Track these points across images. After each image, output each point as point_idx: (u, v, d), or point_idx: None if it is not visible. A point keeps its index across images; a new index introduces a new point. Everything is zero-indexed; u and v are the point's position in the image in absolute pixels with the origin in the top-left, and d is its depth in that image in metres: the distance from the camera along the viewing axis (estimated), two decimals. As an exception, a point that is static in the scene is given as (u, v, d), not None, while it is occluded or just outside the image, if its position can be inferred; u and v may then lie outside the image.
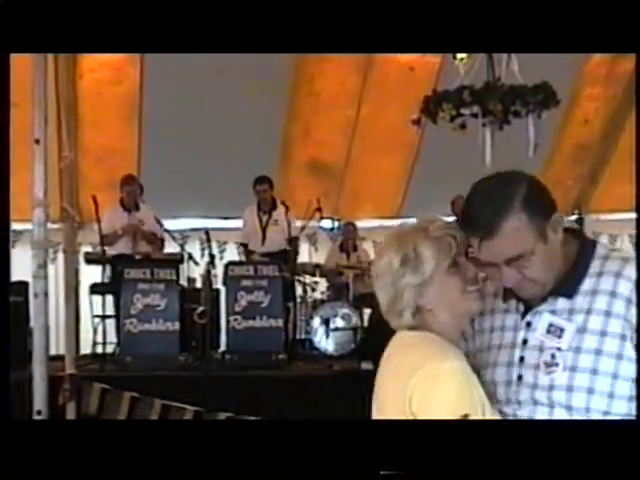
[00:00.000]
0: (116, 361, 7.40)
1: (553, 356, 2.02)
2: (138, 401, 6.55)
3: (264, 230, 8.81)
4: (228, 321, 7.66)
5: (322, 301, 8.77)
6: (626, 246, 10.26)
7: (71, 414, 6.28)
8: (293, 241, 8.53)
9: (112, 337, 7.71)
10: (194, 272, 8.48)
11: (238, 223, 9.23)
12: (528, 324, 2.08)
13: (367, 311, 9.17)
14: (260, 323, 7.59)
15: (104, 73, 9.52)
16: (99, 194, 8.13)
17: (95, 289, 8.02)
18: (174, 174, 9.51)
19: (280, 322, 7.69)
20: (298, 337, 8.57)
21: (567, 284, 2.05)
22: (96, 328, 7.73)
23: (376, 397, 2.13)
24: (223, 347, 7.99)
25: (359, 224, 10.10)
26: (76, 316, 7.54)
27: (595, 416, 1.98)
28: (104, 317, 7.83)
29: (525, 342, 2.07)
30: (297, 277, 8.66)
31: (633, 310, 1.98)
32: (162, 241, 8.50)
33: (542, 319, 2.06)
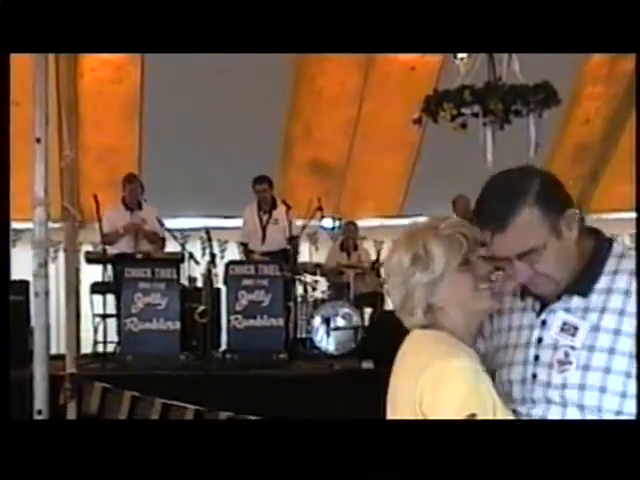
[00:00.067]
0: (117, 360, 7.40)
1: (566, 354, 2.01)
2: (139, 400, 6.55)
3: (264, 229, 8.80)
4: (229, 320, 7.66)
5: (323, 300, 8.77)
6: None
7: (72, 413, 6.28)
8: (293, 240, 8.52)
9: (113, 336, 7.71)
10: (195, 271, 8.48)
11: (239, 222, 9.22)
12: (543, 322, 2.08)
13: (368, 310, 9.20)
14: (261, 322, 7.59)
15: (105, 72, 9.53)
16: (100, 193, 8.13)
17: (96, 288, 8.02)
18: (175, 173, 9.52)
19: (281, 321, 7.69)
20: (299, 336, 8.57)
21: (582, 282, 2.04)
22: (97, 327, 7.74)
23: (390, 396, 2.13)
24: (224, 346, 8.00)
25: (360, 223, 10.09)
26: (77, 315, 7.54)
27: (607, 415, 1.98)
28: (105, 316, 7.82)
29: (540, 340, 2.07)
30: (298, 276, 8.66)
31: None
32: (163, 240, 8.50)
33: (557, 317, 2.06)
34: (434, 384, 1.96)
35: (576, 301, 2.05)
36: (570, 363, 2.01)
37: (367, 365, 7.32)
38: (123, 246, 8.27)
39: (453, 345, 2.03)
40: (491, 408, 1.95)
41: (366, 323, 8.65)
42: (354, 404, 6.38)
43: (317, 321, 8.33)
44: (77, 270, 8.12)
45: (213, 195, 9.99)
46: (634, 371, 1.96)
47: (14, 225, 7.04)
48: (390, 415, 2.12)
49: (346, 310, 8.41)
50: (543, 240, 1.98)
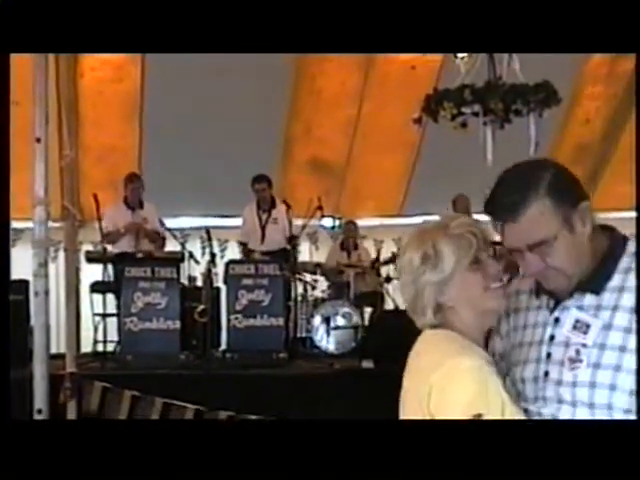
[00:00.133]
0: (117, 359, 7.41)
1: (578, 352, 2.01)
2: (139, 399, 6.55)
3: (263, 229, 8.80)
4: (229, 320, 7.66)
5: (323, 300, 8.77)
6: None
7: (72, 412, 6.27)
8: (293, 239, 8.52)
9: (113, 335, 7.71)
10: (195, 271, 8.48)
11: (239, 222, 9.22)
12: (556, 320, 2.08)
13: (368, 310, 9.19)
14: (261, 322, 7.60)
15: (105, 71, 9.53)
16: (100, 192, 8.14)
17: (96, 287, 8.03)
18: (175, 172, 9.52)
19: (281, 321, 7.70)
20: (299, 336, 8.57)
21: (595, 280, 2.04)
22: (97, 326, 7.75)
23: (402, 397, 2.13)
24: (224, 346, 8.00)
25: (360, 223, 10.09)
26: (77, 314, 7.53)
27: (617, 414, 1.97)
28: (105, 315, 7.83)
29: (552, 338, 2.07)
30: (298, 276, 8.66)
31: None
32: (163, 239, 8.50)
33: (569, 315, 2.05)
34: (443, 383, 1.96)
35: (589, 299, 2.04)
36: (581, 361, 2.00)
37: (367, 364, 7.33)
38: (124, 245, 8.28)
39: (464, 345, 2.02)
40: (500, 408, 1.94)
41: (366, 322, 8.65)
42: (354, 403, 6.39)
43: (317, 320, 8.33)
44: (77, 269, 8.11)
45: (213, 195, 9.99)
46: None
47: (14, 224, 7.02)
48: (402, 416, 2.11)
49: (346, 309, 8.41)
50: (554, 232, 1.98)
